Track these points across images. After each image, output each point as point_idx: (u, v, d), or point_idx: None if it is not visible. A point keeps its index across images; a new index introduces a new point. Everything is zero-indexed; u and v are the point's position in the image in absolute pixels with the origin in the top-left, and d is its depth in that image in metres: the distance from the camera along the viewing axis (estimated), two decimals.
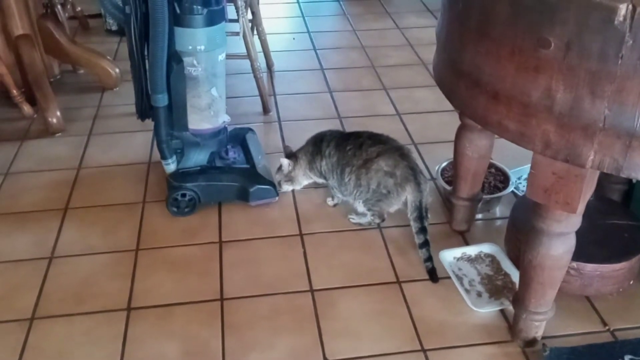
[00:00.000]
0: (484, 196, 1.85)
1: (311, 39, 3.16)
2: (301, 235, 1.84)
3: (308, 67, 2.87)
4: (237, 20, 2.38)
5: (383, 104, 2.56)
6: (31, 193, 2.01)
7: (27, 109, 2.39)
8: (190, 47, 1.73)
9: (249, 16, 2.57)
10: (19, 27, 2.36)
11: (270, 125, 2.40)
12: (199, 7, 1.68)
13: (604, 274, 1.53)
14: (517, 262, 1.64)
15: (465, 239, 1.82)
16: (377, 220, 1.84)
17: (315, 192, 2.02)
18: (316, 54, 3.01)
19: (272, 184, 1.95)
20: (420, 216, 1.71)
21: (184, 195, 1.88)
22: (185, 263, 1.73)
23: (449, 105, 1.47)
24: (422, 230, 1.70)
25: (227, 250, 1.78)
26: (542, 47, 1.06)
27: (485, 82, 1.19)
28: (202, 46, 1.74)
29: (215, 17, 1.73)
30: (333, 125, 2.34)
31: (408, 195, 1.74)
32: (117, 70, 2.62)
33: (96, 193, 2.02)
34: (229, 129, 2.11)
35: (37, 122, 2.39)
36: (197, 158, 1.93)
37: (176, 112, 1.82)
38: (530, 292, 1.38)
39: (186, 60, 1.75)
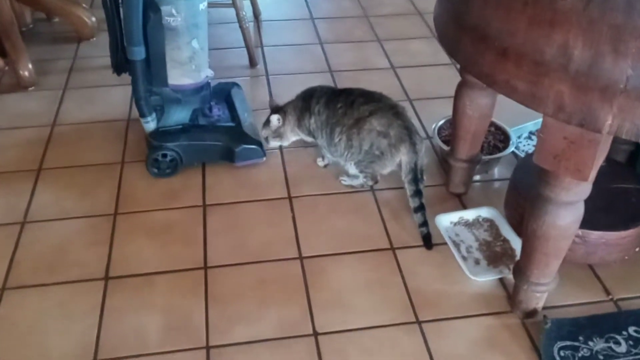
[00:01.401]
0: (483, 157, 1.75)
1: None
2: (290, 198, 1.74)
3: (297, 16, 2.71)
4: None
5: (376, 56, 2.43)
6: (1, 153, 1.89)
7: None
8: None
9: None
10: None
11: (258, 80, 2.26)
12: None
13: (609, 242, 1.45)
14: (517, 227, 1.56)
15: (462, 202, 1.73)
16: (370, 183, 1.75)
17: (305, 151, 1.91)
18: (306, 2, 2.84)
19: (259, 143, 1.83)
20: (415, 178, 1.62)
21: (164, 155, 1.76)
22: (167, 228, 1.64)
23: (446, 59, 1.36)
24: (417, 193, 1.61)
25: (211, 215, 1.68)
26: None
27: (494, 37, 1.07)
28: None
29: None
30: (324, 80, 2.23)
31: (402, 156, 1.64)
32: (94, 19, 2.45)
33: (72, 152, 1.90)
34: (213, 83, 1.98)
35: (8, 74, 2.24)
36: (179, 116, 1.81)
37: (154, 66, 1.69)
38: (532, 263, 1.30)
39: (164, 9, 1.60)
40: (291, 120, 1.82)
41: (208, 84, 1.81)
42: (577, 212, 1.21)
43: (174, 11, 1.61)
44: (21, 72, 2.16)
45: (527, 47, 1.02)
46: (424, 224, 1.60)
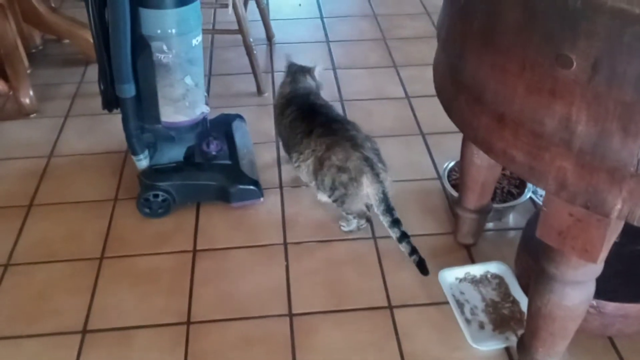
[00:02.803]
0: (495, 205, 1.61)
1: (319, 5, 2.88)
2: (285, 244, 1.64)
3: (313, 38, 2.61)
4: None
5: (391, 84, 2.30)
6: None
7: (0, 86, 2.20)
8: (159, 31, 1.50)
9: None
10: None
11: (264, 110, 2.16)
12: None
13: (629, 314, 1.30)
14: (527, 288, 1.42)
15: (470, 254, 1.60)
16: (362, 221, 1.65)
17: (307, 192, 1.80)
18: (323, 23, 2.73)
19: (256, 183, 1.74)
20: (389, 209, 1.51)
21: (156, 195, 1.68)
22: (153, 276, 1.55)
23: None
24: (395, 222, 1.51)
25: (200, 262, 1.59)
26: (562, 66, 0.81)
27: (489, 100, 0.95)
28: (172, 29, 1.50)
29: None
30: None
31: (367, 188, 1.52)
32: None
33: (65, 187, 1.83)
34: (216, 114, 1.90)
35: (12, 99, 2.20)
36: (172, 153, 1.72)
37: (146, 103, 1.61)
38: (538, 341, 1.17)
39: (155, 45, 1.52)
40: (275, 110, 1.79)
41: (204, 119, 1.72)
42: (586, 291, 1.08)
43: (165, 47, 1.52)
44: (22, 99, 2.12)
45: (525, 115, 0.89)
46: (413, 251, 1.50)
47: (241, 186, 1.71)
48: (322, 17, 2.78)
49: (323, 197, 1.64)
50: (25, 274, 1.56)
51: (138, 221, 1.70)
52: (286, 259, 1.59)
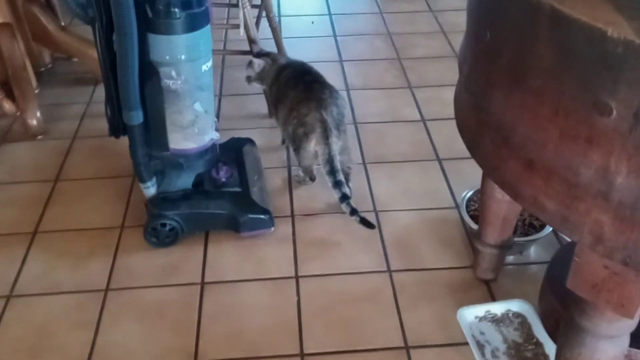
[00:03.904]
0: (516, 238, 1.54)
1: (332, 23, 2.83)
2: (297, 277, 1.57)
3: (325, 57, 2.55)
4: (236, 5, 2.08)
5: (406, 106, 2.24)
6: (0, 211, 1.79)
7: (8, 106, 2.15)
8: (168, 57, 1.45)
9: (256, 1, 2.26)
10: None
11: (275, 132, 2.09)
12: (177, 9, 1.39)
13: None
14: (552, 332, 1.35)
15: (490, 291, 1.53)
16: (307, 178, 1.84)
17: (320, 220, 1.74)
18: (336, 41, 2.68)
19: (267, 212, 1.68)
20: (333, 170, 1.64)
21: (164, 225, 1.62)
22: (159, 310, 1.49)
23: None
24: (337, 184, 1.64)
25: (208, 295, 1.53)
26: (600, 114, 0.75)
27: (518, 143, 0.88)
28: (182, 55, 1.45)
29: (197, 21, 1.44)
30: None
31: (315, 146, 1.67)
32: None
33: (71, 213, 1.78)
34: (226, 138, 1.85)
35: (19, 120, 2.15)
36: (181, 181, 1.67)
37: (154, 130, 1.56)
38: None
39: (163, 71, 1.47)
40: (270, 74, 1.89)
41: (214, 146, 1.66)
42: (620, 345, 1.01)
43: (173, 73, 1.47)
44: (29, 121, 2.07)
45: (559, 163, 0.83)
46: (353, 212, 1.62)
47: (251, 215, 1.65)
48: (335, 36, 2.73)
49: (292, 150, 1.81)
50: (28, 306, 1.51)
51: (145, 251, 1.65)
52: (298, 294, 1.52)
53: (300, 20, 2.87)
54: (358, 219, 1.63)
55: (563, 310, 1.14)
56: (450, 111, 2.16)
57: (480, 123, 0.98)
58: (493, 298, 1.51)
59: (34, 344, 1.42)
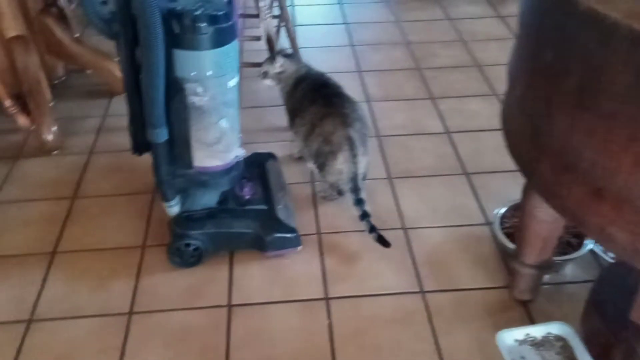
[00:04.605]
0: (554, 258, 1.49)
1: (349, 33, 2.79)
2: (327, 299, 1.52)
3: (344, 68, 2.50)
4: (257, 16, 2.04)
5: (429, 118, 2.19)
6: (17, 231, 1.74)
7: (22, 120, 2.10)
8: (194, 73, 1.40)
9: (276, 11, 2.22)
10: (11, 27, 2.05)
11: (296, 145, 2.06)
12: (204, 25, 1.34)
13: None
14: (597, 356, 1.29)
15: (528, 311, 1.47)
16: (334, 193, 1.78)
17: (347, 239, 1.69)
18: (353, 51, 2.63)
19: (293, 230, 1.63)
20: (355, 188, 1.62)
21: (188, 245, 1.57)
22: (186, 334, 1.44)
23: None
24: (359, 202, 1.61)
25: (236, 318, 1.47)
26: None
27: (584, 170, 0.83)
28: (209, 71, 1.40)
29: (224, 36, 1.39)
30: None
31: (340, 165, 1.64)
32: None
33: (90, 232, 1.73)
34: (247, 150, 1.79)
35: (34, 134, 2.11)
36: (205, 199, 1.62)
37: (178, 147, 1.51)
38: None
39: (189, 87, 1.42)
40: (289, 81, 1.85)
41: (238, 164, 1.61)
42: None
43: (199, 90, 1.42)
44: (45, 135, 2.03)
45: (633, 192, 0.77)
46: (372, 229, 1.59)
47: (278, 234, 1.60)
48: (352, 45, 2.68)
49: (311, 166, 1.77)
50: (49, 331, 1.46)
51: (168, 271, 1.60)
52: (329, 317, 1.47)
53: (316, 30, 2.82)
54: (376, 236, 1.59)
55: (613, 336, 1.08)
56: (475, 123, 2.15)
57: (538, 147, 0.93)
58: (531, 319, 1.46)
59: None
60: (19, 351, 1.41)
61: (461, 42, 2.68)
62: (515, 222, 1.59)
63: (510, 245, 1.54)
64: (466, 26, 2.80)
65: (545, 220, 1.31)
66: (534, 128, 0.94)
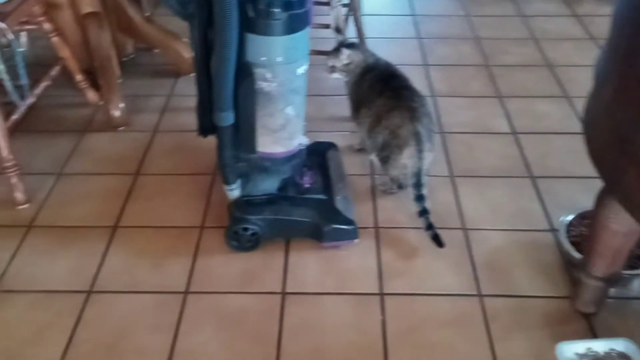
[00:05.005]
0: (623, 272, 1.42)
1: (416, 25, 2.74)
2: (381, 295, 1.50)
3: (410, 60, 2.46)
4: (327, 3, 2.02)
5: (495, 117, 2.13)
6: (81, 203, 1.78)
7: (91, 95, 2.17)
8: (264, 59, 1.39)
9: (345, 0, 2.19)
10: (87, 3, 2.09)
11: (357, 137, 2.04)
12: (278, 10, 1.33)
13: None
14: None
15: (591, 325, 1.42)
16: (394, 186, 1.75)
17: (405, 234, 1.66)
18: (420, 44, 2.58)
19: (352, 222, 1.61)
20: (418, 183, 1.60)
21: (246, 229, 1.58)
22: (239, 319, 1.45)
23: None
24: (420, 198, 1.59)
25: (289, 307, 1.47)
26: None
27: None
28: (279, 57, 1.40)
29: (297, 23, 1.38)
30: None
31: (406, 159, 1.62)
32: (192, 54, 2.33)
33: (151, 209, 1.76)
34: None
35: (102, 109, 2.15)
36: (266, 185, 1.62)
37: (243, 132, 1.51)
38: None
39: (258, 72, 1.41)
40: (356, 70, 1.81)
41: (301, 152, 1.60)
42: None
43: (268, 75, 1.42)
44: (112, 111, 2.07)
45: None
46: (429, 227, 1.57)
47: (336, 225, 1.59)
48: (419, 38, 2.63)
49: (374, 158, 1.75)
50: (107, 303, 1.49)
51: (225, 254, 1.61)
52: (382, 313, 1.45)
53: (383, 20, 2.78)
54: (432, 234, 1.57)
55: None
56: (543, 125, 2.08)
57: (625, 156, 0.88)
58: (593, 333, 1.40)
59: (112, 343, 1.40)
60: (78, 320, 1.44)
61: (533, 40, 2.59)
62: (582, 231, 1.53)
63: (576, 255, 1.48)
64: (539, 24, 2.70)
65: (619, 231, 1.25)
66: (622, 136, 0.89)
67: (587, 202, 1.66)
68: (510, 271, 1.55)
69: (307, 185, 1.67)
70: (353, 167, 1.87)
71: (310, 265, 1.58)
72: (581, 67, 2.37)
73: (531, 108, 2.17)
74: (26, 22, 1.87)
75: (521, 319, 1.42)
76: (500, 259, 1.58)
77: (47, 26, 1.94)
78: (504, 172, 1.87)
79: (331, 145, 1.86)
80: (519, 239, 1.64)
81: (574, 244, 1.52)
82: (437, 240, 1.56)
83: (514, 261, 1.58)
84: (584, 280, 1.39)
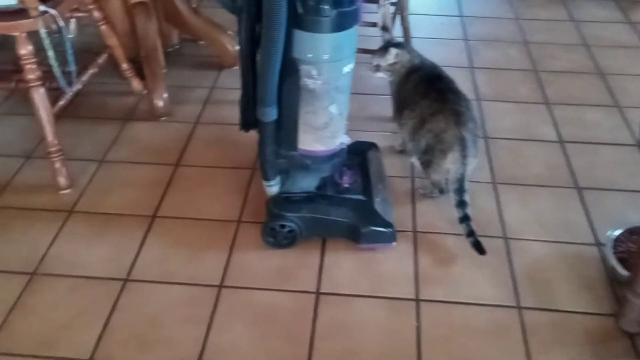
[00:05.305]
0: None
1: (463, 26, 2.69)
2: (417, 300, 1.47)
3: (455, 62, 2.41)
4: (376, 1, 1.99)
5: (542, 124, 2.07)
6: (121, 191, 1.80)
7: (136, 84, 2.18)
8: (311, 56, 1.38)
9: None
10: None
11: (399, 137, 2.01)
12: (328, 7, 1.31)
13: None
14: None
15: (634, 345, 1.37)
16: (435, 191, 1.71)
17: (444, 240, 1.63)
18: (466, 46, 2.54)
19: (390, 225, 1.59)
20: (461, 189, 1.56)
21: (283, 226, 1.57)
22: (272, 316, 1.44)
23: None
24: (461, 204, 1.55)
25: (323, 307, 1.46)
26: None
27: None
28: (326, 55, 1.38)
29: (346, 20, 1.36)
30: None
31: (449, 164, 1.58)
32: (237, 48, 2.32)
33: (189, 200, 1.76)
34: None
35: (146, 99, 2.17)
36: (305, 183, 1.61)
37: (286, 128, 1.50)
38: None
39: (304, 69, 1.40)
40: (401, 70, 1.77)
41: (342, 151, 1.59)
42: None
43: (314, 72, 1.40)
44: (156, 101, 2.08)
45: None
46: (471, 233, 1.53)
47: (374, 227, 1.57)
48: (466, 39, 2.58)
49: (415, 161, 1.71)
50: (142, 292, 1.50)
51: (260, 250, 1.60)
52: (417, 319, 1.43)
53: (430, 20, 2.74)
54: (473, 241, 1.53)
55: None
56: (592, 134, 2.01)
57: None
58: (636, 354, 1.35)
59: (145, 333, 1.40)
60: (113, 307, 1.46)
61: (584, 46, 2.51)
62: (630, 247, 1.48)
63: (623, 272, 1.43)
64: (591, 30, 2.63)
65: None
66: None
67: (636, 217, 1.62)
68: (551, 284, 1.50)
69: (346, 185, 1.65)
70: (393, 168, 1.85)
71: (345, 266, 1.56)
72: (634, 76, 2.30)
73: (580, 116, 2.10)
74: (76, 10, 1.89)
75: (561, 335, 1.38)
76: (542, 271, 1.54)
77: (96, 14, 1.96)
78: (549, 181, 1.82)
79: (372, 145, 1.83)
80: (562, 251, 1.60)
81: (621, 260, 1.47)
82: (479, 248, 1.52)
83: (556, 274, 1.53)
84: (629, 299, 1.34)
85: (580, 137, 2.00)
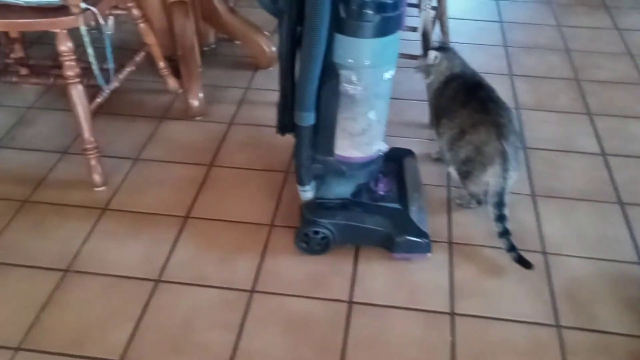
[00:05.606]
0: None
1: (502, 32, 2.63)
2: (452, 314, 1.44)
3: (494, 68, 2.36)
4: (417, 6, 1.95)
5: (583, 135, 2.02)
6: (155, 190, 1.79)
7: (172, 83, 2.18)
8: (351, 61, 1.35)
9: (433, 2, 2.12)
10: None
11: (436, 145, 1.97)
12: (371, 12, 1.28)
13: None
14: None
15: None
16: (472, 201, 1.67)
17: (481, 252, 1.59)
18: (506, 52, 2.48)
19: (425, 235, 1.55)
20: (500, 203, 1.52)
21: (316, 232, 1.55)
22: (304, 323, 1.42)
23: None
24: (501, 218, 1.52)
25: (355, 317, 1.43)
26: None
27: None
28: (367, 60, 1.35)
29: (388, 26, 1.33)
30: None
31: (489, 178, 1.54)
32: (274, 48, 2.31)
33: (222, 202, 1.75)
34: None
35: (181, 97, 2.17)
36: (340, 189, 1.58)
37: (323, 134, 1.47)
38: None
39: (344, 74, 1.37)
40: (441, 74, 1.75)
41: (379, 158, 1.56)
42: None
43: (354, 78, 1.37)
44: (191, 100, 2.08)
45: None
46: (512, 248, 1.50)
47: (409, 237, 1.54)
48: (505, 45, 2.53)
49: (453, 171, 1.68)
50: (174, 294, 1.49)
51: (293, 255, 1.58)
52: (452, 334, 1.39)
53: (468, 25, 2.69)
54: (516, 256, 1.49)
55: None
56: (637, 148, 1.95)
57: None
58: None
59: (176, 336, 1.39)
60: (145, 308, 1.45)
61: (629, 55, 2.44)
62: None
63: None
64: (636, 38, 2.55)
65: None
66: None
67: None
68: (592, 303, 1.46)
69: (381, 193, 1.62)
70: (429, 176, 1.81)
71: (379, 276, 1.53)
72: None
73: (624, 128, 2.04)
74: (115, 7, 1.89)
75: (603, 357, 1.34)
76: (583, 289, 1.49)
77: (135, 12, 1.96)
78: (591, 195, 1.77)
79: (409, 153, 1.80)
80: (603, 268, 1.55)
81: None
82: (524, 262, 1.49)
83: (597, 293, 1.48)
84: None
85: (624, 150, 1.94)
